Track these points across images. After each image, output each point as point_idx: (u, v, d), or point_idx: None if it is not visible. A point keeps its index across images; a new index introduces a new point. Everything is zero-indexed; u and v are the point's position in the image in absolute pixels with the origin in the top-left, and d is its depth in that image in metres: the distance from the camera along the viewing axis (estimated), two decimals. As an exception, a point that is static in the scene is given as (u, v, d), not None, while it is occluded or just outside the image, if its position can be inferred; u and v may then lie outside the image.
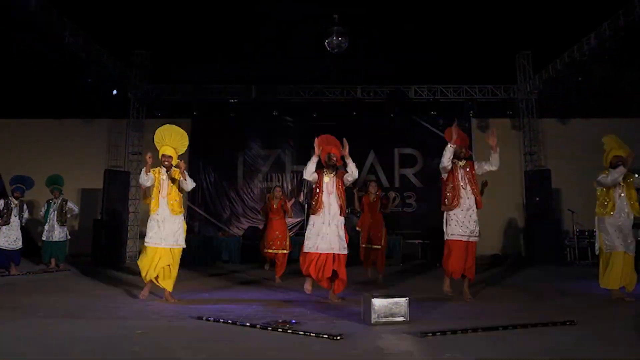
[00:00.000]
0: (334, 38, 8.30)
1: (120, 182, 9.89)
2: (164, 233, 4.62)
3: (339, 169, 4.92)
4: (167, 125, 4.80)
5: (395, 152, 11.74)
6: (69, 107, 11.13)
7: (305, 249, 4.74)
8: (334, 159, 4.84)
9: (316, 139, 4.90)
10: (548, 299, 4.78)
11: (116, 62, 9.82)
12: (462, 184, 4.82)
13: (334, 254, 4.65)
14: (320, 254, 4.65)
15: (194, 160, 11.47)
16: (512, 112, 11.06)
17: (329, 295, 4.77)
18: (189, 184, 4.70)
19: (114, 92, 9.80)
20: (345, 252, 4.72)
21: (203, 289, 5.73)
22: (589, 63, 8.68)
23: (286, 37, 9.49)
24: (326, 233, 4.67)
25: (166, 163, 4.65)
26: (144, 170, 4.62)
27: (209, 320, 3.59)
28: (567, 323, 3.40)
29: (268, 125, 11.61)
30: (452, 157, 4.81)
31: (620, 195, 4.79)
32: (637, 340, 3.03)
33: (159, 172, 4.69)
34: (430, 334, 3.07)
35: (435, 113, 10.84)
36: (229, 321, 3.52)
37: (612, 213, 4.76)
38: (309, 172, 4.77)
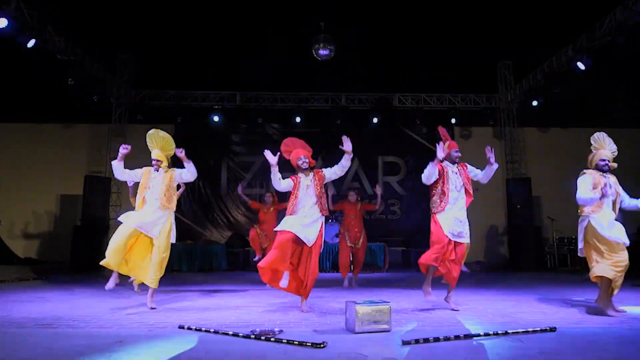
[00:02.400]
0: (321, 46, 8.36)
1: (101, 188, 9.73)
2: (145, 219, 4.53)
3: (314, 169, 4.71)
4: (154, 130, 4.92)
5: (379, 160, 11.82)
6: (49, 111, 10.94)
7: (277, 228, 4.43)
8: (306, 161, 4.64)
9: (282, 145, 4.75)
10: (528, 306, 4.84)
11: (99, 66, 9.69)
12: (453, 186, 4.59)
13: (305, 245, 4.38)
14: (290, 232, 4.31)
15: (176, 167, 11.34)
16: (493, 121, 11.27)
17: (301, 305, 4.51)
18: (191, 171, 4.85)
19: (95, 99, 9.62)
20: (318, 246, 4.41)
21: (185, 296, 5.65)
22: (568, 74, 8.91)
23: (272, 44, 9.52)
24: (304, 224, 4.41)
25: (155, 167, 4.82)
26: (115, 161, 4.73)
27: (191, 329, 3.54)
28: (548, 330, 3.45)
29: (252, 132, 11.58)
30: (435, 174, 4.56)
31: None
32: (617, 347, 3.08)
33: (149, 172, 4.82)
34: (413, 342, 3.07)
35: (418, 121, 10.96)
36: (211, 330, 3.47)
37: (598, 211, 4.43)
38: (278, 183, 4.51)
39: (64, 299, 5.30)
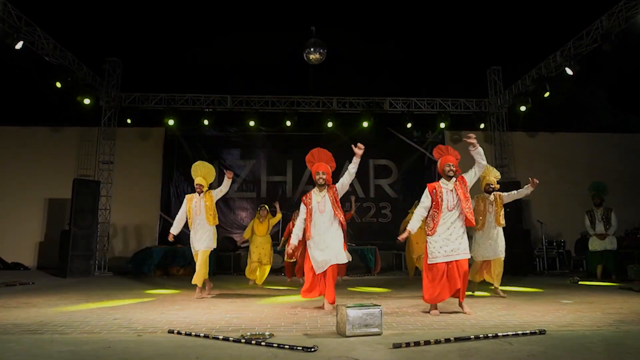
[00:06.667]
0: (312, 50, 8.35)
1: (89, 191, 9.59)
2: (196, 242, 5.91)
3: (328, 186, 4.77)
4: (199, 162, 6.17)
5: (370, 163, 11.84)
6: (37, 115, 10.82)
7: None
8: (323, 177, 4.69)
9: (308, 155, 4.84)
10: (518, 309, 4.87)
11: (88, 68, 9.60)
12: (447, 206, 4.38)
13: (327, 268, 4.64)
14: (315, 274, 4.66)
15: (167, 170, 11.26)
16: (483, 125, 11.36)
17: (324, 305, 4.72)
18: (225, 187, 6.03)
19: (86, 101, 9.50)
20: (340, 261, 4.61)
21: (174, 299, 5.60)
22: (556, 79, 9.03)
23: (263, 47, 9.51)
24: (324, 248, 4.61)
25: (198, 190, 5.99)
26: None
27: (180, 333, 3.50)
28: (537, 332, 3.47)
29: (243, 135, 11.55)
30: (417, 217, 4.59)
31: (489, 212, 5.99)
32: (604, 349, 3.11)
33: (192, 198, 5.99)
34: (404, 345, 3.07)
35: (409, 125, 11.01)
36: (201, 334, 3.44)
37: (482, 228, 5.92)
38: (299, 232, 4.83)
39: (51, 304, 5.22)
